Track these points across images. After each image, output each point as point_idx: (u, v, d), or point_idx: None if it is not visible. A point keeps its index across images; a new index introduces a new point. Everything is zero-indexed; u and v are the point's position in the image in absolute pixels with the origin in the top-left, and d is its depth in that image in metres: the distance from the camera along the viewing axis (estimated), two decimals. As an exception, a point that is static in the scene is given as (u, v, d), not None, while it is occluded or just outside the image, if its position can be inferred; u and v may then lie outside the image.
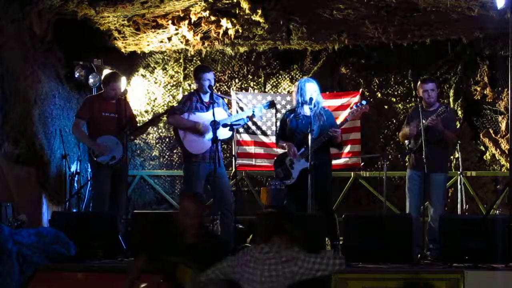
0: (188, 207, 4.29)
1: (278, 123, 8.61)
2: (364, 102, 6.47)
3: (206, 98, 6.63)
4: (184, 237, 4.23)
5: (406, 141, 6.76)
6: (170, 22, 7.78)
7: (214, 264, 4.07)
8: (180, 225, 4.26)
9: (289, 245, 4.02)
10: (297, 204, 6.41)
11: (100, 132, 6.71)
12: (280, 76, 9.01)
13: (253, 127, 8.60)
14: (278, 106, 7.43)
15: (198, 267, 4.01)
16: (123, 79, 7.86)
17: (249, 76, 9.02)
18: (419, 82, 6.71)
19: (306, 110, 6.42)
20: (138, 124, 7.39)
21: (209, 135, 6.49)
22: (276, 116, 8.58)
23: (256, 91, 8.94)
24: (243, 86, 9.00)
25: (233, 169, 7.42)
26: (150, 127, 8.65)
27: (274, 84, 9.01)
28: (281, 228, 4.08)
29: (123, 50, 8.51)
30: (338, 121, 6.92)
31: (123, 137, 6.67)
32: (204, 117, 6.59)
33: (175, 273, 4.03)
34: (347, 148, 8.26)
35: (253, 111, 6.82)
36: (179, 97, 8.91)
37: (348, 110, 8.02)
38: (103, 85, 6.99)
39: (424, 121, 6.24)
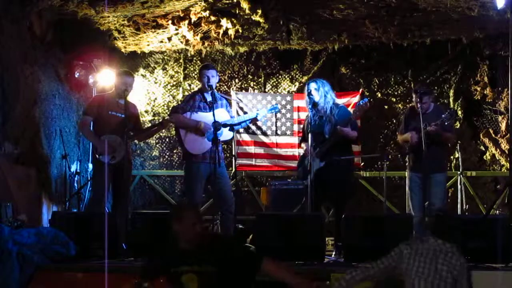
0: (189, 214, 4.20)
1: (279, 123, 8.63)
2: (365, 100, 6.40)
3: (209, 98, 6.62)
4: (178, 243, 4.17)
5: (408, 144, 6.70)
6: (170, 22, 7.78)
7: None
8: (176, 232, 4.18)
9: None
10: (314, 203, 6.34)
11: (103, 130, 6.68)
12: (280, 76, 9.01)
13: (253, 127, 8.61)
14: (278, 106, 7.45)
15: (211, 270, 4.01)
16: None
17: (249, 76, 9.02)
18: (413, 93, 6.53)
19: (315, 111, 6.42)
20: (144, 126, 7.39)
21: (211, 135, 6.49)
22: (276, 116, 8.58)
23: (256, 91, 8.94)
24: (243, 86, 9.00)
25: (233, 169, 7.42)
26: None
27: (274, 84, 9.01)
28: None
29: (123, 50, 8.52)
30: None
31: (126, 139, 6.65)
32: (206, 117, 6.57)
33: (178, 280, 4.02)
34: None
35: (257, 114, 6.81)
36: (179, 97, 8.92)
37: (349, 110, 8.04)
38: (117, 79, 6.93)
39: (424, 126, 6.21)
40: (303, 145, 6.71)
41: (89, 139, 7.05)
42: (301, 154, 6.93)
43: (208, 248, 4.03)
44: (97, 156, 6.63)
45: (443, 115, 6.24)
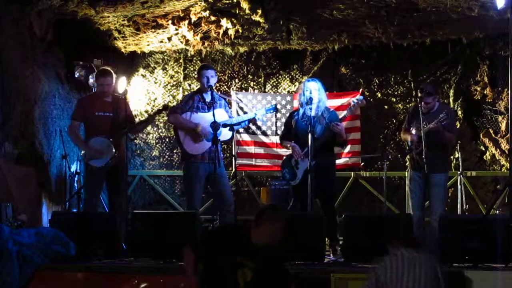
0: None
1: (279, 123, 8.62)
2: (361, 97, 6.42)
3: (208, 98, 6.62)
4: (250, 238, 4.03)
5: (408, 141, 6.74)
6: (170, 22, 7.78)
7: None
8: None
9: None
10: (302, 204, 6.40)
11: (94, 132, 6.67)
12: (280, 76, 9.00)
13: (253, 127, 8.60)
14: (278, 106, 7.45)
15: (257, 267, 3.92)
16: (123, 78, 7.87)
17: (249, 76, 9.01)
18: (419, 92, 6.56)
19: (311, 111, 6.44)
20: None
21: (209, 138, 6.49)
22: (276, 116, 8.58)
23: (256, 91, 8.93)
24: (243, 86, 9.00)
25: (233, 169, 7.42)
26: (149, 126, 8.64)
27: (274, 84, 9.01)
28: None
29: (123, 50, 8.52)
30: (338, 121, 6.91)
31: (118, 137, 6.64)
32: (205, 117, 6.58)
33: (233, 271, 3.87)
34: (347, 148, 8.24)
35: (255, 115, 6.81)
36: (179, 97, 8.92)
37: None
38: (96, 82, 6.97)
39: (424, 125, 6.22)
40: (287, 144, 6.66)
41: (77, 144, 7.06)
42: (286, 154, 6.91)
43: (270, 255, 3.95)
44: (86, 161, 6.65)
45: (440, 115, 6.26)
